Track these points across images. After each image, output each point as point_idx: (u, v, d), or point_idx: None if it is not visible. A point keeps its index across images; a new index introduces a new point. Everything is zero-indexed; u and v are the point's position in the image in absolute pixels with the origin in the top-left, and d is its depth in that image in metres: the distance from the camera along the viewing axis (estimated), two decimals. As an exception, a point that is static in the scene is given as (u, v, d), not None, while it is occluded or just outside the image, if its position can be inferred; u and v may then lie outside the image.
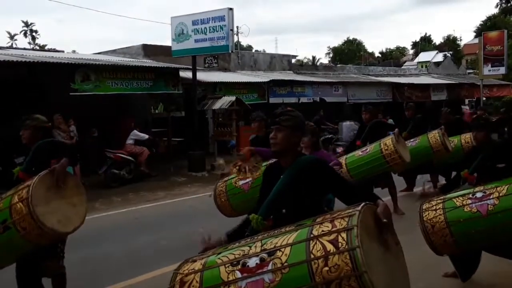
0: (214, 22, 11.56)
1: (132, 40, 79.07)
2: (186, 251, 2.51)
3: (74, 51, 21.46)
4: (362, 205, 2.10)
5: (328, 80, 17.30)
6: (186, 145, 12.94)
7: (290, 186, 2.48)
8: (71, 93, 9.73)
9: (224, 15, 11.44)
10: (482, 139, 4.03)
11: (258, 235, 2.33)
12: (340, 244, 1.94)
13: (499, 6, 9.31)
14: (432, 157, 7.77)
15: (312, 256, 1.97)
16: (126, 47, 14.91)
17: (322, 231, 2.03)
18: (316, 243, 1.99)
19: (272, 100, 14.93)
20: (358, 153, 6.86)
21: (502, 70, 22.67)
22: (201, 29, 11.74)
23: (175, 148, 13.48)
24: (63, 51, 15.86)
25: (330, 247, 1.95)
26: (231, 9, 11.47)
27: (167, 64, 11.96)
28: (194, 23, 11.84)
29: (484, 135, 4.04)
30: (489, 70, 22.58)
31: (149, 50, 14.31)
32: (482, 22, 38.31)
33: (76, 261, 4.84)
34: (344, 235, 1.95)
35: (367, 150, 6.81)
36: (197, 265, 2.24)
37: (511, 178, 3.64)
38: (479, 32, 30.06)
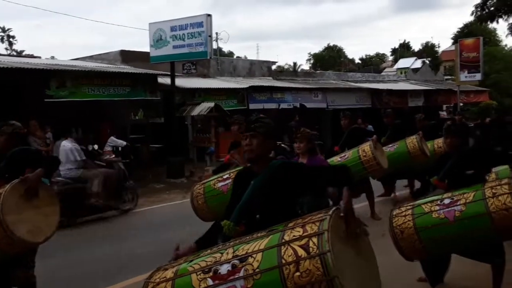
0: (193, 28, 11.56)
1: (111, 46, 78.49)
2: (162, 259, 2.49)
3: (52, 57, 21.21)
4: (333, 209, 2.10)
5: (307, 86, 17.42)
6: (165, 152, 12.84)
7: (262, 191, 2.48)
8: (46, 100, 9.56)
9: (202, 21, 11.45)
10: (454, 145, 4.08)
11: (230, 241, 2.32)
12: (311, 249, 1.94)
13: (474, 14, 9.57)
14: (410, 162, 7.89)
15: (283, 261, 1.96)
16: (104, 53, 14.77)
17: (294, 236, 2.02)
18: (287, 248, 1.99)
19: (252, 106, 14.95)
20: (336, 159, 6.91)
21: (478, 76, 23.22)
22: (180, 35, 11.72)
23: (154, 154, 13.34)
24: (40, 57, 15.61)
25: (301, 252, 1.95)
26: (209, 15, 11.49)
27: (145, 70, 11.89)
28: (173, 29, 11.82)
29: (456, 141, 4.09)
30: (466, 77, 23.10)
31: (127, 56, 14.18)
32: (459, 29, 39.17)
33: (49, 269, 4.73)
34: (315, 240, 1.95)
35: (346, 156, 6.87)
36: (169, 273, 2.21)
37: (478, 185, 3.71)
38: (456, 39, 30.72)
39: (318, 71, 25.59)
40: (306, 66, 54.77)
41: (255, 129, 2.53)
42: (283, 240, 2.03)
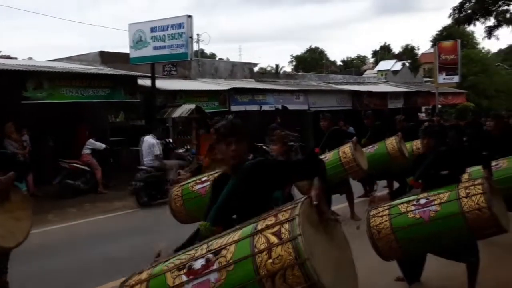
0: (173, 29, 11.48)
1: (90, 47, 77.23)
2: (142, 263, 2.47)
3: (30, 58, 20.79)
4: (304, 197, 2.12)
5: (289, 88, 17.48)
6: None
7: (237, 190, 2.49)
8: (22, 101, 9.36)
9: (183, 23, 11.39)
10: (430, 145, 4.14)
11: (205, 240, 2.30)
12: (283, 235, 1.93)
13: (452, 16, 9.80)
14: (389, 163, 7.99)
15: (256, 250, 1.95)
16: (83, 54, 14.53)
17: (266, 225, 2.02)
18: (260, 237, 1.98)
19: (234, 108, 14.93)
20: (317, 160, 6.94)
21: (456, 78, 23.68)
22: (160, 36, 11.63)
23: (135, 157, 13.18)
24: (16, 58, 15.28)
25: (273, 239, 1.94)
26: (190, 16, 11.44)
27: (124, 71, 11.74)
28: (153, 30, 11.72)
29: (432, 142, 4.15)
30: (444, 79, 23.53)
31: (106, 57, 13.99)
32: (438, 32, 39.86)
33: (26, 274, 4.65)
34: (286, 225, 1.95)
35: (326, 158, 6.91)
36: (144, 275, 2.20)
37: (453, 185, 3.77)
38: (435, 41, 31.24)
39: (300, 73, 25.73)
40: (288, 68, 54.96)
41: (238, 134, 2.51)
42: (256, 230, 2.03)
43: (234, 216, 2.46)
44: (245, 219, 2.29)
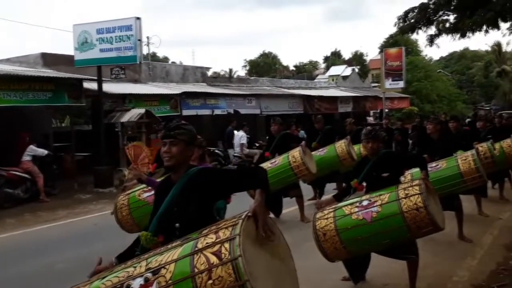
0: (121, 31, 11.15)
1: (31, 48, 73.49)
2: (84, 275, 2.36)
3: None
4: (245, 213, 2.09)
5: (241, 92, 17.51)
6: (93, 160, 12.24)
7: (178, 199, 2.43)
8: (-46, 106, 8.76)
9: (131, 25, 11.10)
10: (373, 148, 4.24)
11: (146, 253, 2.24)
12: (223, 255, 1.92)
13: (397, 25, 10.22)
14: (339, 166, 8.16)
15: (196, 270, 1.92)
16: (23, 56, 13.78)
17: (207, 243, 1.99)
18: (200, 256, 1.95)
19: (185, 112, 14.74)
20: (267, 165, 6.96)
21: (401, 84, 24.68)
22: (107, 38, 11.25)
23: (80, 163, 12.68)
24: None
25: (213, 259, 1.92)
26: (138, 18, 11.17)
27: (68, 74, 11.24)
28: (99, 31, 11.32)
29: (374, 145, 4.26)
30: (390, 84, 24.46)
31: (48, 59, 13.33)
32: (385, 39, 41.43)
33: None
34: (227, 245, 1.93)
35: (276, 162, 6.95)
36: None
37: (394, 186, 3.89)
38: (382, 48, 32.42)
39: (252, 78, 25.84)
40: (242, 72, 55.20)
41: (175, 135, 2.47)
42: (196, 248, 1.99)
43: (177, 225, 2.41)
44: (188, 228, 2.27)
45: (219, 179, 2.44)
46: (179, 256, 2.00)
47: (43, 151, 10.05)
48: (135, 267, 2.10)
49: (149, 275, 2.00)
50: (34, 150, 9.91)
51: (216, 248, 1.94)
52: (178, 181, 2.47)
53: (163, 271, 1.98)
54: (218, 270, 1.88)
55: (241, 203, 2.47)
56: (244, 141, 12.82)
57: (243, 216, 2.06)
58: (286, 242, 2.29)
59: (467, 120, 20.76)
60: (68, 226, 7.90)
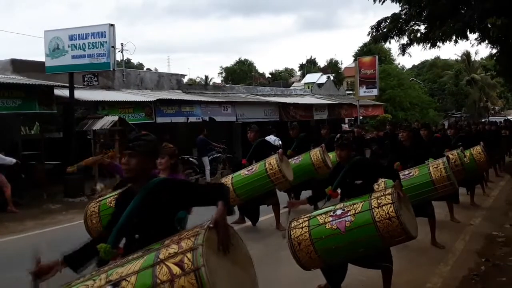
0: (94, 38, 10.98)
1: (2, 54, 71.59)
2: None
3: None
4: (207, 223, 2.09)
5: (217, 100, 17.43)
6: (63, 169, 11.90)
7: (138, 210, 2.41)
8: None
9: (104, 31, 10.94)
10: (344, 156, 4.26)
11: (105, 265, 2.19)
12: (185, 265, 1.90)
13: (370, 34, 10.39)
14: (314, 173, 8.18)
15: (158, 281, 1.90)
16: (-9, 62, 13.39)
17: (169, 253, 1.98)
18: (162, 267, 1.93)
19: (160, 120, 14.56)
20: (244, 172, 6.93)
21: (375, 91, 25.17)
22: (79, 44, 11.05)
23: (50, 172, 12.31)
24: None
25: (176, 269, 1.91)
26: (112, 25, 11.02)
27: (39, 81, 10.95)
28: (71, 38, 11.11)
29: (345, 153, 4.28)
30: (364, 92, 24.90)
31: (18, 65, 12.94)
32: (359, 48, 42.15)
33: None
34: (189, 255, 1.92)
35: (253, 170, 6.92)
36: None
37: (367, 195, 3.90)
38: (356, 56, 33.00)
39: (228, 85, 25.84)
40: (218, 80, 55.11)
41: (133, 147, 2.47)
42: (158, 259, 1.97)
43: (137, 236, 2.39)
44: (148, 239, 2.24)
45: (179, 192, 2.44)
46: (140, 267, 1.97)
47: (11, 160, 9.71)
48: (94, 280, 2.05)
49: None
50: (2, 159, 9.56)
51: (178, 258, 1.93)
52: (138, 192, 2.46)
53: (124, 283, 1.95)
54: (181, 280, 1.87)
55: (203, 214, 2.44)
56: (279, 143, 13.06)
57: (205, 226, 2.06)
58: (247, 250, 2.31)
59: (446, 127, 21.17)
60: (36, 237, 7.62)
